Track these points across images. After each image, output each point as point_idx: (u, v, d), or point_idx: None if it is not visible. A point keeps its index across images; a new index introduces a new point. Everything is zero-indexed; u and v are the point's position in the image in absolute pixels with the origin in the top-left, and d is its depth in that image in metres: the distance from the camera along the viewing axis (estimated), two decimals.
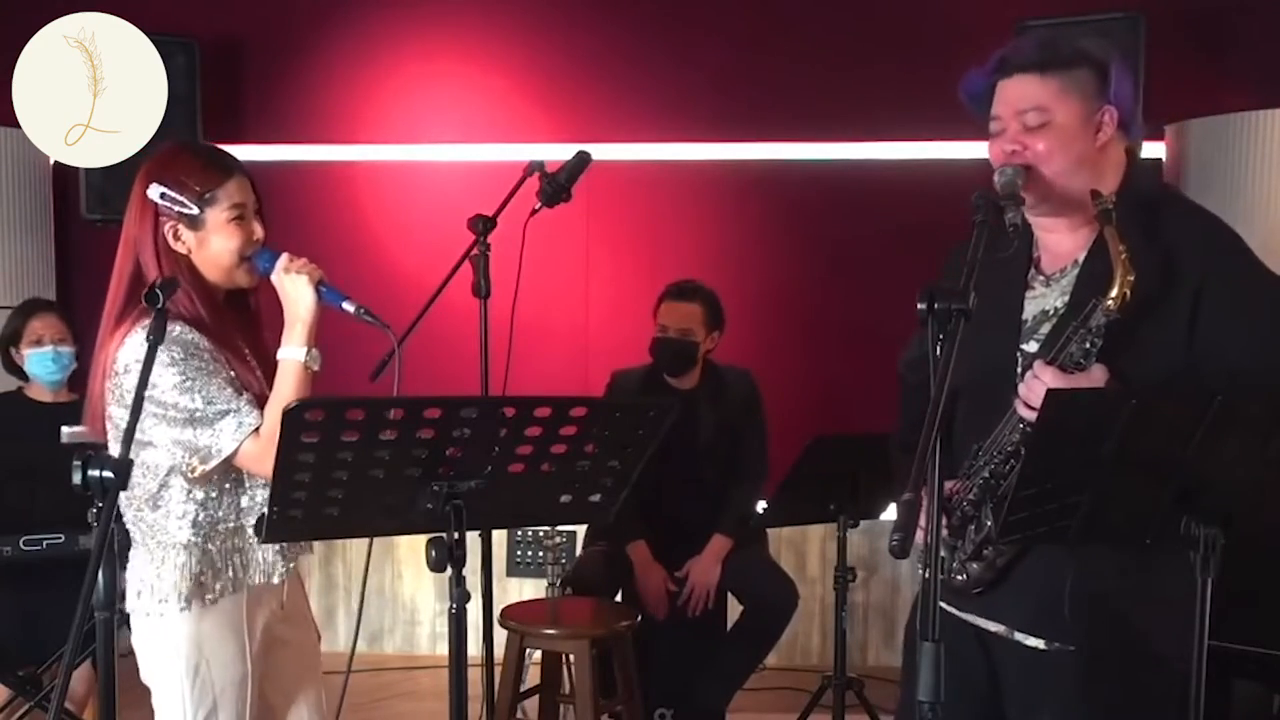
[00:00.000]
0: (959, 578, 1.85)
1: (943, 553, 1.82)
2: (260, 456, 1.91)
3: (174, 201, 1.96)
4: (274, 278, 2.01)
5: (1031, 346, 1.82)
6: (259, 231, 2.03)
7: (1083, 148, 1.79)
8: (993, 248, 1.66)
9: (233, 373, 1.99)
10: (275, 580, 2.07)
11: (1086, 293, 1.74)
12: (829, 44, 4.56)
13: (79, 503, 1.68)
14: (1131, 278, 1.66)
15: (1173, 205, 1.86)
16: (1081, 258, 1.83)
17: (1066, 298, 1.82)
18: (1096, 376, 1.70)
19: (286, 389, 1.95)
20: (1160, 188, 1.90)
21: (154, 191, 1.97)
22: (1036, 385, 1.71)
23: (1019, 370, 1.80)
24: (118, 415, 1.95)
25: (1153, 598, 1.76)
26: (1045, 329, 1.82)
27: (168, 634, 1.98)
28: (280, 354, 1.99)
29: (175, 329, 1.94)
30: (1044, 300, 1.86)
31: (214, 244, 2.00)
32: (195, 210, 1.97)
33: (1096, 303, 1.69)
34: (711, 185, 4.63)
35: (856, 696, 3.35)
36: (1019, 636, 1.84)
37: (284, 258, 2.00)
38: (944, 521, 1.81)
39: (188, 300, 1.98)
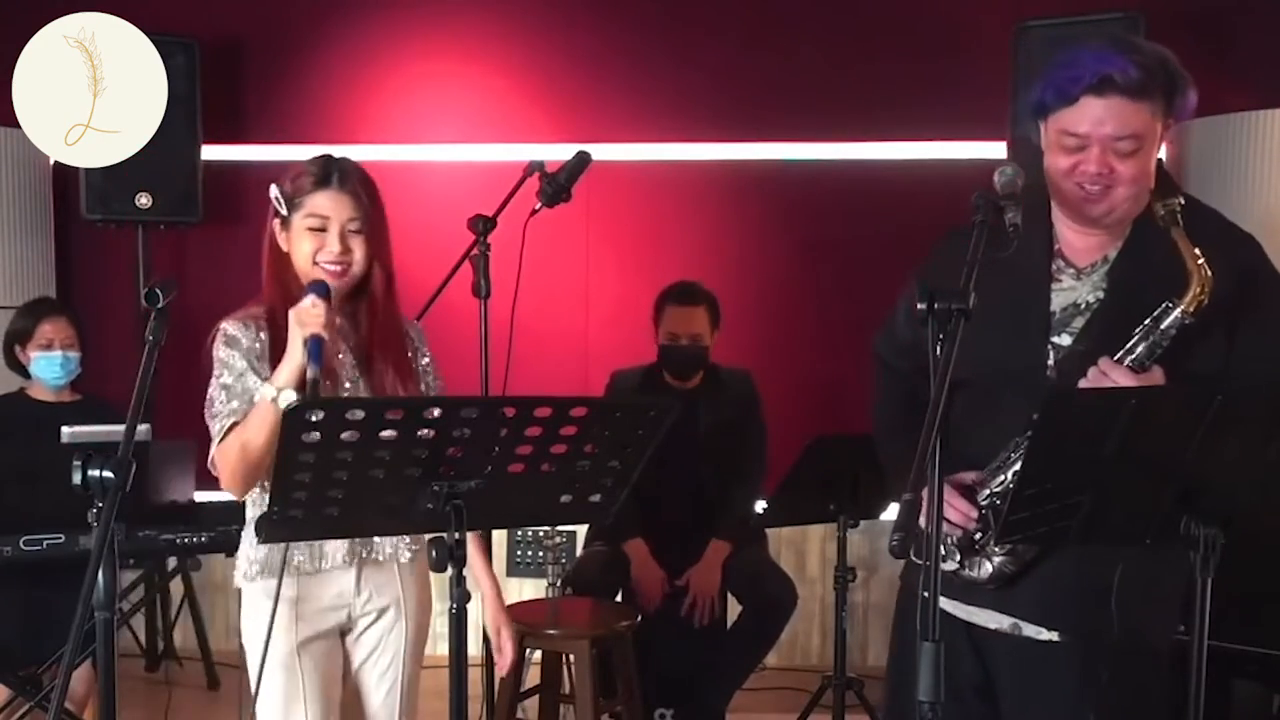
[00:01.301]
0: (983, 570, 1.84)
1: (943, 552, 1.83)
2: (217, 466, 2.02)
3: (277, 201, 2.10)
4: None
5: (1064, 340, 1.82)
6: (334, 246, 2.05)
7: (1152, 163, 1.80)
8: (992, 247, 1.66)
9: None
10: (341, 562, 2.11)
11: (1120, 286, 1.75)
12: (829, 44, 4.56)
13: (79, 503, 1.68)
14: (1210, 276, 1.67)
15: (1204, 211, 1.86)
16: (1113, 254, 1.84)
17: (1100, 293, 1.82)
18: (1157, 377, 1.72)
19: (249, 418, 1.99)
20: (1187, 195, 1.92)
21: (272, 190, 2.11)
22: (1105, 382, 1.71)
23: (1050, 363, 1.81)
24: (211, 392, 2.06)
25: (1165, 596, 1.79)
26: (1078, 322, 1.82)
27: (245, 600, 2.12)
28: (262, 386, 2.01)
29: (235, 322, 2.07)
30: (1074, 293, 1.85)
31: (295, 246, 2.09)
32: (285, 212, 2.09)
33: (1169, 306, 1.70)
34: (712, 185, 4.63)
35: (856, 696, 3.35)
36: (1030, 631, 1.85)
37: (306, 300, 2.00)
38: (973, 515, 1.81)
39: (275, 294, 2.09)
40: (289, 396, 1.94)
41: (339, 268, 2.07)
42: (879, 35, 4.53)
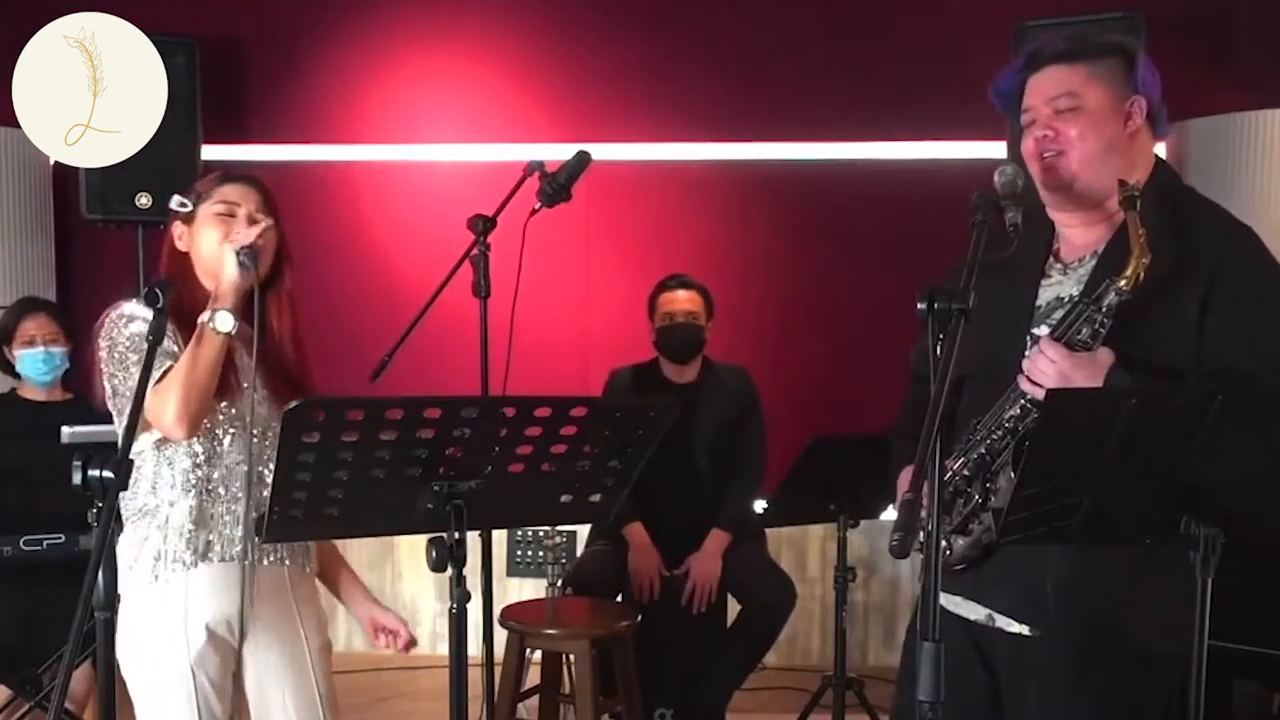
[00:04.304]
0: (944, 552, 1.85)
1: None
2: (157, 408, 1.95)
3: (179, 204, 2.13)
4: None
5: (1042, 330, 1.82)
6: (243, 227, 2.08)
7: (1113, 134, 1.82)
8: (993, 248, 1.66)
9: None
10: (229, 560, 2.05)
11: (1103, 279, 1.75)
12: (829, 44, 4.57)
13: (79, 503, 1.68)
14: (1146, 260, 1.68)
15: (1196, 202, 1.88)
16: (1101, 249, 1.85)
17: (1082, 286, 1.83)
18: (1102, 360, 1.71)
19: (190, 348, 1.98)
20: (1186, 187, 1.92)
21: (174, 200, 2.14)
22: (1042, 360, 1.72)
23: (1027, 353, 1.81)
24: (106, 386, 2.06)
25: (1143, 594, 1.77)
26: (1058, 314, 1.82)
27: (126, 608, 1.99)
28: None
29: (134, 304, 2.06)
30: (1060, 288, 1.87)
31: (200, 237, 2.12)
32: (189, 208, 2.13)
33: (1109, 282, 1.70)
34: (712, 185, 4.63)
35: (856, 696, 3.35)
36: (1001, 623, 1.85)
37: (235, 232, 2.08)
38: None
39: (176, 295, 1.99)
40: (225, 317, 1.97)
41: (254, 231, 2.06)
42: (879, 35, 4.53)
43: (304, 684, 2.16)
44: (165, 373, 1.97)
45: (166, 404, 1.94)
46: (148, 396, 1.89)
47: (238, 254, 2.00)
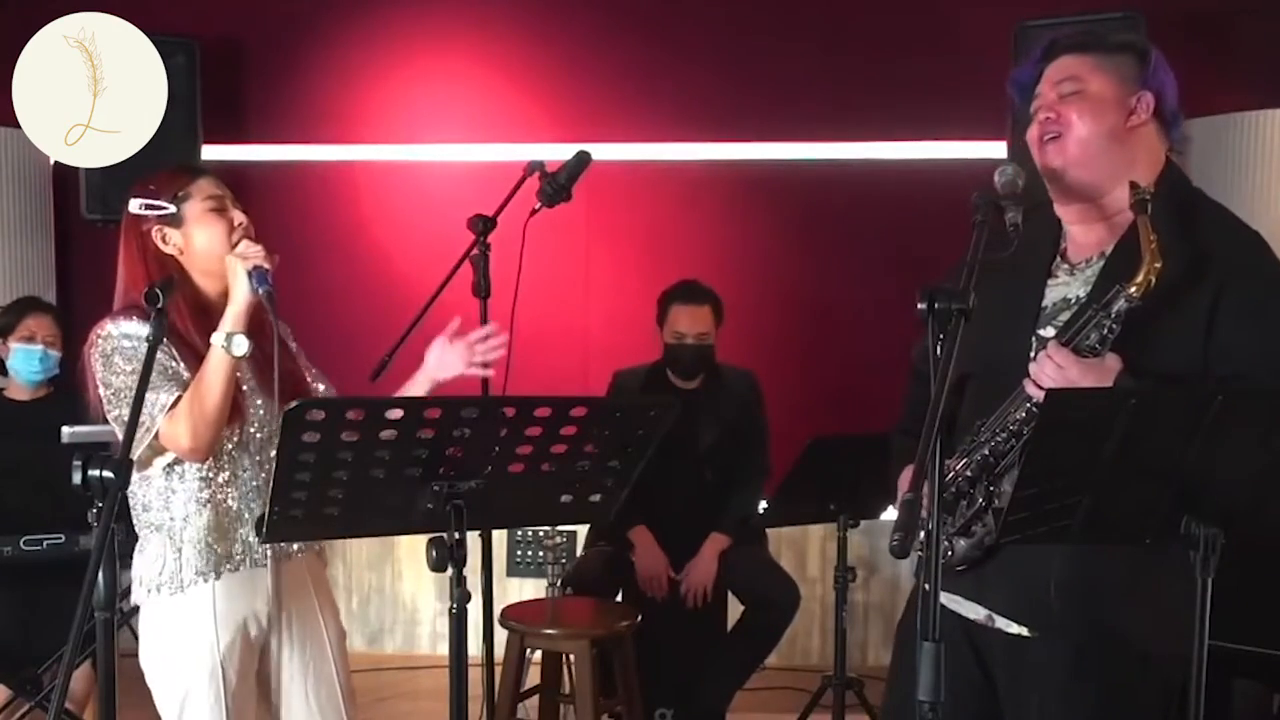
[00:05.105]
0: (946, 553, 1.85)
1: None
2: (172, 436, 1.94)
3: (152, 207, 2.04)
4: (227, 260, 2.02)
5: (1048, 332, 1.82)
6: (240, 217, 2.07)
7: (1113, 123, 1.83)
8: (993, 247, 1.66)
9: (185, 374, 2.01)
10: (256, 565, 2.08)
11: (1110, 283, 1.74)
12: (829, 44, 4.56)
13: (79, 503, 1.68)
14: (1159, 265, 1.67)
15: (1207, 208, 1.88)
16: (1109, 250, 1.84)
17: (1089, 287, 1.82)
18: (1111, 366, 1.71)
19: (203, 372, 1.95)
20: (1196, 191, 1.92)
21: (134, 205, 2.06)
22: (1049, 365, 1.72)
23: (1032, 354, 1.80)
24: (108, 410, 2.02)
25: (1144, 596, 1.77)
26: (1064, 316, 1.82)
27: (152, 616, 2.06)
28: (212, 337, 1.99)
29: (124, 321, 2.00)
30: (1066, 289, 1.87)
31: (199, 237, 2.06)
32: (172, 209, 2.05)
33: (1120, 288, 1.70)
34: (712, 185, 4.63)
35: (856, 696, 3.35)
36: (1001, 623, 1.85)
37: (241, 244, 2.03)
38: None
39: (172, 306, 1.96)
40: (241, 341, 1.93)
41: (261, 248, 2.02)
42: (879, 35, 4.53)
43: (325, 675, 2.19)
44: (176, 401, 1.94)
45: (182, 434, 1.93)
46: (161, 425, 1.92)
47: (250, 275, 1.96)
